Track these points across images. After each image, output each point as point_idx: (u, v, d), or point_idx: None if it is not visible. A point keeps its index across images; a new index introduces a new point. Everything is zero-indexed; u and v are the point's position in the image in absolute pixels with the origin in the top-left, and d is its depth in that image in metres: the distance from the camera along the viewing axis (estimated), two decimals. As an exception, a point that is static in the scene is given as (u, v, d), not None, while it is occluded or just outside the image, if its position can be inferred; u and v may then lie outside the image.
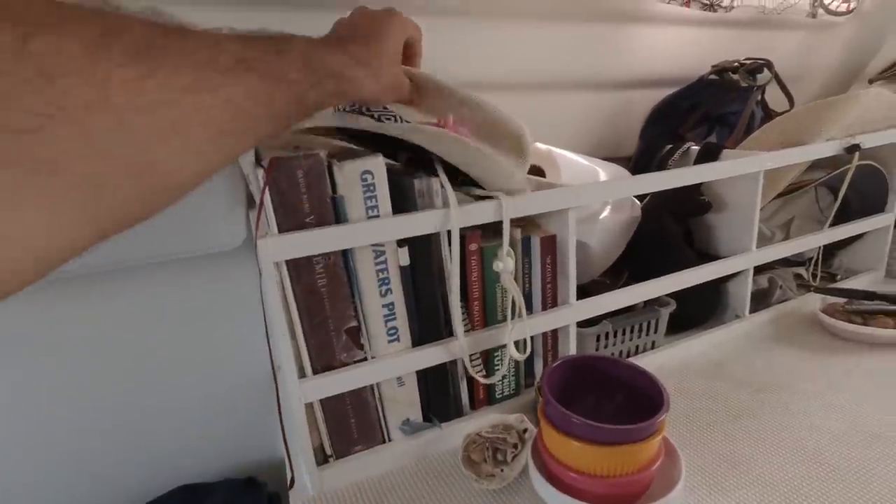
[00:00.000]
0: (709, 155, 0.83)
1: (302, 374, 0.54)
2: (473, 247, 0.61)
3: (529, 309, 0.67)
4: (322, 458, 0.59)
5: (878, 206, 0.99)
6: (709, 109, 0.98)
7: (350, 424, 0.59)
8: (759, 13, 0.98)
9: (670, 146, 0.90)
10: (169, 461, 0.73)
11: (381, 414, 0.61)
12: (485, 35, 0.83)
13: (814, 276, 0.99)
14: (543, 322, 0.66)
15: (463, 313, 0.63)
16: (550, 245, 0.65)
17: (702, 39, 1.00)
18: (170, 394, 0.70)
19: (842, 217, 0.94)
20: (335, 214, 0.52)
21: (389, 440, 0.62)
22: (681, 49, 1.00)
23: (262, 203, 0.47)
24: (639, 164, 0.96)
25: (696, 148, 0.86)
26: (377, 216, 0.53)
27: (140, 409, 0.70)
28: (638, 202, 0.81)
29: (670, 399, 0.49)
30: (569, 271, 0.65)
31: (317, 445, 0.59)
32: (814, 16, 1.05)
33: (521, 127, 0.55)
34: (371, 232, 0.52)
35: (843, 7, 1.07)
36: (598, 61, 0.94)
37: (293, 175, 0.48)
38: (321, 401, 0.57)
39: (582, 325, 0.71)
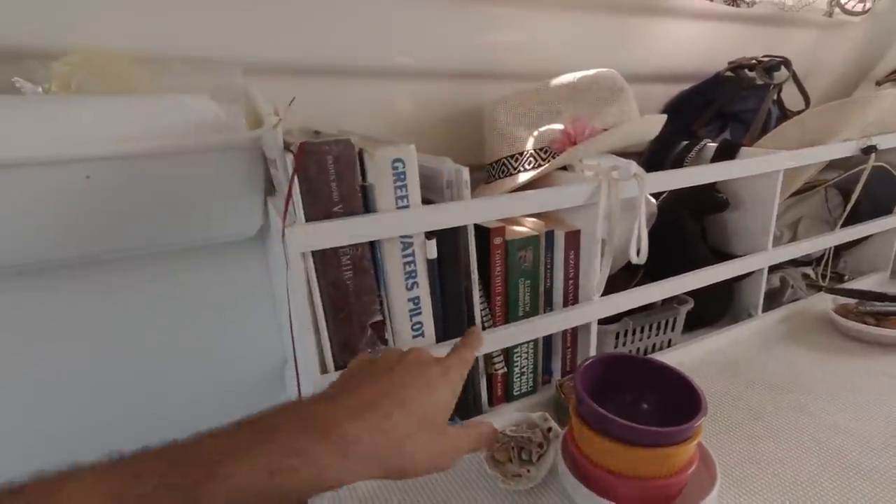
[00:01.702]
0: (727, 153, 0.82)
1: (325, 370, 0.52)
2: (498, 241, 0.60)
3: (551, 305, 0.66)
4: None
5: (886, 208, 0.99)
6: (723, 106, 0.97)
7: (370, 422, 0.57)
8: (779, 9, 0.97)
9: (686, 143, 0.89)
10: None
11: (400, 411, 0.59)
12: (503, 24, 0.81)
13: (822, 276, 0.99)
14: (565, 319, 0.65)
15: (485, 308, 0.62)
16: (574, 240, 0.64)
17: (718, 35, 0.99)
18: (176, 386, 0.68)
19: (851, 218, 0.94)
20: (364, 203, 0.49)
21: (408, 438, 0.60)
22: (696, 44, 0.99)
23: (290, 190, 0.45)
24: (652, 159, 0.94)
25: (712, 145, 0.85)
26: (406, 206, 0.51)
27: (145, 403, 0.67)
28: (654, 200, 0.80)
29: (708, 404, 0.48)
30: (593, 267, 0.63)
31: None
32: (830, 14, 1.04)
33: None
34: (401, 223, 0.50)
35: (860, 7, 1.06)
36: (615, 53, 0.92)
37: (323, 161, 0.46)
38: (341, 397, 0.55)
39: (602, 322, 0.69)
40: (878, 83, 1.16)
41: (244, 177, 0.52)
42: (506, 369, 0.65)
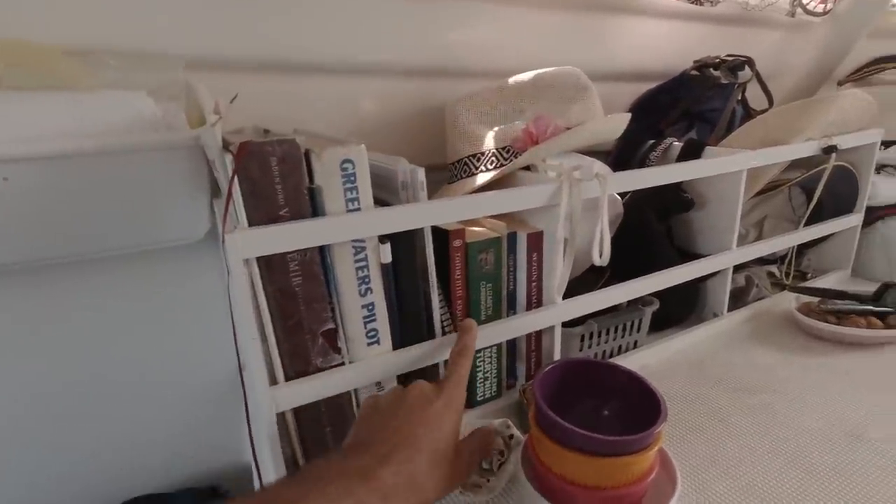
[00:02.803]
0: (692, 152, 0.82)
1: (273, 381, 0.50)
2: (457, 243, 0.58)
3: (514, 308, 0.64)
4: (294, 469, 0.55)
5: (847, 207, 1.00)
6: (689, 105, 0.97)
7: (325, 434, 0.55)
8: (743, 9, 0.97)
9: (652, 142, 0.89)
10: (124, 470, 0.67)
11: (357, 420, 0.57)
12: (467, 21, 0.80)
13: (786, 274, 1.00)
14: (529, 322, 0.63)
15: (446, 313, 0.60)
16: (537, 242, 0.62)
17: (683, 34, 0.99)
18: (125, 396, 0.64)
19: (814, 217, 0.95)
20: (312, 206, 0.47)
21: (366, 448, 0.58)
22: (662, 43, 0.99)
23: (230, 193, 0.42)
24: (619, 158, 0.94)
25: (678, 144, 0.85)
26: (357, 209, 0.49)
27: (91, 415, 0.63)
28: (619, 199, 0.79)
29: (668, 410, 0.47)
30: (556, 269, 0.62)
31: (288, 456, 0.54)
32: (793, 15, 1.05)
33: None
34: (352, 226, 0.48)
35: (821, 7, 1.08)
36: (581, 51, 0.91)
37: (266, 162, 0.43)
38: (294, 409, 0.52)
39: (566, 324, 0.68)
40: (840, 83, 1.18)
41: (186, 178, 0.49)
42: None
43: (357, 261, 0.51)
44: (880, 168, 1.04)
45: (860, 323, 0.81)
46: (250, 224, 0.44)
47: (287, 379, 0.50)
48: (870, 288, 0.86)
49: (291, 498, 0.34)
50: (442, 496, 0.42)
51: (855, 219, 1.00)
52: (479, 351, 0.63)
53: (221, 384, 0.65)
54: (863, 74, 1.13)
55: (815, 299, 0.88)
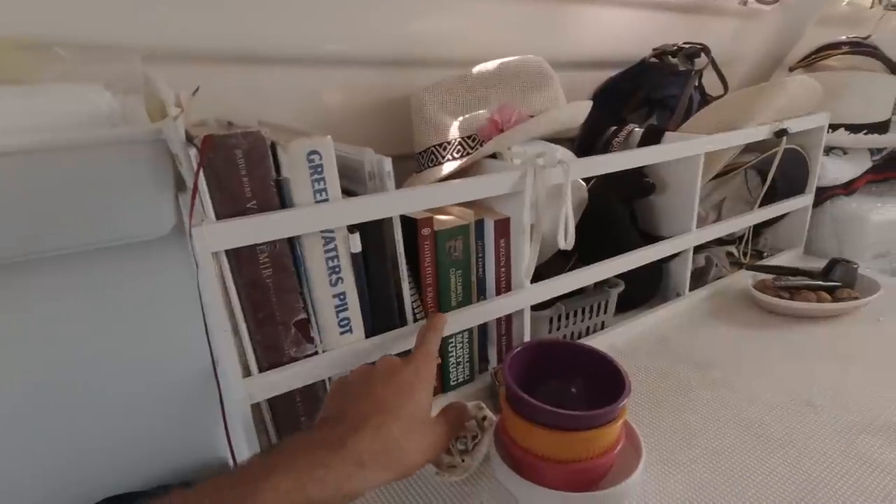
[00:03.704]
0: (652, 137, 0.84)
1: (247, 373, 0.50)
2: (426, 231, 0.59)
3: (483, 293, 0.66)
4: (270, 461, 0.55)
5: (799, 188, 1.05)
6: (649, 92, 0.99)
7: (301, 423, 0.55)
8: (697, -3, 1.00)
9: (614, 128, 0.91)
10: (94, 471, 0.66)
11: (332, 409, 0.58)
12: (432, 10, 0.80)
13: (744, 253, 1.04)
14: (498, 306, 0.65)
15: (417, 300, 0.61)
16: (504, 228, 0.64)
17: (642, 22, 1.02)
18: (94, 397, 0.63)
19: (769, 198, 0.99)
20: (280, 198, 0.47)
21: (342, 436, 0.59)
22: (621, 30, 1.01)
23: (195, 187, 0.42)
24: (583, 145, 0.96)
25: (639, 130, 0.87)
26: (326, 200, 0.49)
27: (59, 412, 0.62)
28: (584, 184, 0.81)
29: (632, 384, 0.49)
30: (523, 254, 0.63)
31: (265, 447, 0.54)
32: (745, 3, 1.09)
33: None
34: (321, 217, 0.48)
35: (771, -4, 1.12)
36: (543, 39, 0.93)
37: (231, 155, 0.43)
38: (269, 399, 0.53)
39: (535, 308, 0.70)
40: (791, 69, 1.23)
41: (149, 172, 0.48)
42: (440, 360, 0.64)
43: (327, 251, 0.51)
44: (828, 150, 1.09)
45: (811, 298, 0.85)
46: (217, 217, 0.44)
47: (261, 370, 0.51)
48: (820, 264, 0.91)
49: (259, 474, 0.34)
50: (424, 463, 0.42)
51: (806, 199, 1.05)
52: (450, 336, 0.64)
53: (194, 379, 0.64)
54: (811, 61, 1.18)
55: (771, 276, 0.92)
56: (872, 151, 1.12)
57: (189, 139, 0.43)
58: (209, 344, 0.48)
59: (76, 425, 0.63)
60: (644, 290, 0.88)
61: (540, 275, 0.69)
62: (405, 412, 0.41)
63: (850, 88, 1.08)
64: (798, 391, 0.67)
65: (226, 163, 0.43)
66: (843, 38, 1.15)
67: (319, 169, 0.48)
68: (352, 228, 0.52)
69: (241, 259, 0.46)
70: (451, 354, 0.66)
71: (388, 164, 0.53)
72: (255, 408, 0.52)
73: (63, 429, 0.62)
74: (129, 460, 0.68)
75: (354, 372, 0.46)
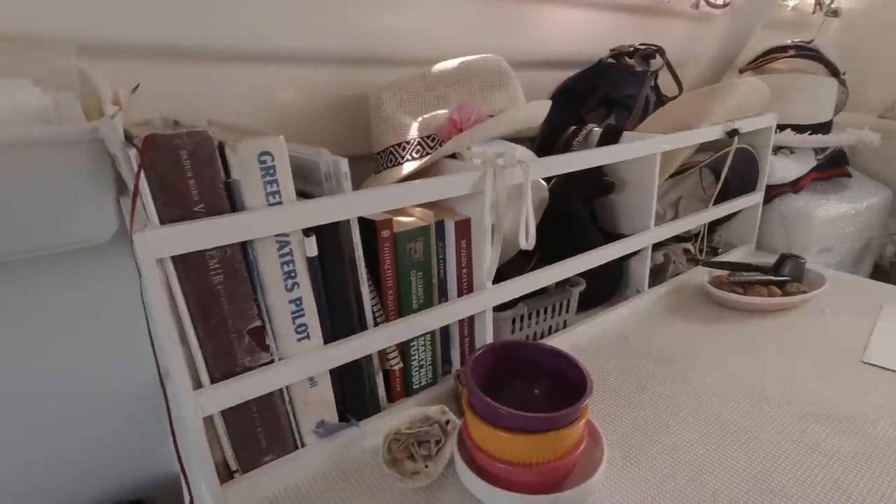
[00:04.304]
0: (610, 137, 0.85)
1: (198, 385, 0.48)
2: (386, 233, 0.58)
3: (445, 295, 0.65)
4: (226, 475, 0.53)
5: (750, 186, 1.08)
6: (607, 92, 1.01)
7: (257, 434, 0.53)
8: (652, 0, 1.02)
9: (573, 128, 0.92)
10: (43, 489, 0.62)
11: (292, 418, 0.56)
12: (390, 7, 0.79)
13: (700, 250, 1.07)
14: (460, 308, 0.64)
15: (377, 303, 0.59)
16: (465, 229, 0.63)
17: (600, 23, 1.03)
18: (38, 412, 0.59)
19: (722, 196, 1.02)
20: (230, 201, 0.45)
21: (303, 445, 0.57)
22: (580, 31, 1.02)
23: (136, 190, 0.39)
24: (543, 144, 0.96)
25: (598, 130, 0.88)
26: (279, 202, 0.47)
27: (3, 428, 0.58)
28: (545, 184, 0.81)
29: (594, 384, 0.50)
30: (484, 255, 0.63)
31: (219, 461, 0.52)
32: (697, 6, 1.12)
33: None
34: (273, 220, 0.46)
35: (721, 0, 1.15)
36: (503, 39, 0.93)
37: (176, 156, 0.41)
38: (223, 411, 0.50)
39: (497, 308, 0.70)
40: (741, 71, 1.27)
41: (86, 174, 0.46)
42: (402, 364, 0.63)
43: (282, 255, 0.49)
44: (776, 150, 1.13)
45: (763, 292, 0.88)
46: (162, 222, 0.42)
47: (213, 381, 0.48)
48: (771, 259, 0.94)
49: None
50: None
51: (757, 197, 1.08)
52: (412, 340, 0.63)
53: (143, 391, 0.61)
54: (759, 63, 1.22)
55: (725, 272, 0.95)
56: (817, 151, 1.17)
57: (129, 139, 0.40)
58: (154, 355, 0.45)
59: (17, 441, 0.59)
60: (605, 288, 0.89)
61: (502, 275, 0.69)
62: None
63: (796, 91, 1.13)
64: (751, 384, 0.69)
65: (170, 164, 0.41)
66: (789, 41, 1.20)
67: (272, 170, 0.46)
68: (308, 232, 0.50)
69: (189, 265, 0.44)
70: (413, 358, 0.64)
71: (344, 164, 0.51)
72: (209, 420, 0.50)
73: (6, 447, 0.58)
74: (76, 476, 0.64)
75: None
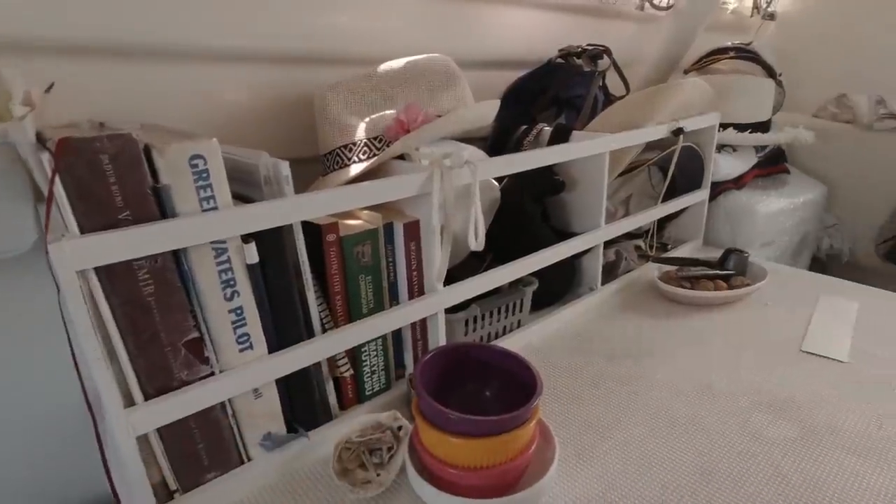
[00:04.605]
0: (560, 136, 0.86)
1: (130, 402, 0.45)
2: (331, 238, 0.56)
3: (397, 298, 0.64)
4: (165, 496, 0.50)
5: (697, 183, 1.12)
6: (557, 92, 1.02)
7: (198, 451, 0.51)
8: (599, 2, 1.04)
9: (524, 127, 0.92)
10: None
11: (236, 432, 0.54)
12: (337, 5, 0.77)
13: (651, 246, 1.09)
14: (411, 311, 0.63)
15: (325, 309, 0.58)
16: (414, 231, 0.62)
17: (548, 23, 1.04)
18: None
19: (670, 193, 1.05)
20: (160, 208, 0.43)
21: (249, 460, 0.55)
22: (528, 31, 1.03)
23: (51, 196, 0.37)
24: (495, 144, 0.97)
25: (548, 129, 0.89)
26: (214, 208, 0.45)
27: None
28: (497, 184, 0.81)
29: (543, 384, 0.49)
30: (434, 257, 0.62)
31: (157, 481, 0.49)
32: (641, 8, 1.14)
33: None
34: (208, 227, 0.44)
35: (665, 2, 1.18)
36: (452, 39, 0.92)
37: (96, 160, 0.38)
38: (161, 431, 0.48)
39: (450, 310, 0.69)
40: (686, 71, 1.31)
41: (3, 180, 0.43)
42: (353, 371, 0.61)
43: (219, 263, 0.47)
44: (720, 148, 1.17)
45: (709, 286, 0.90)
46: (82, 231, 0.39)
47: (147, 398, 0.46)
48: (717, 254, 0.97)
49: None
50: None
51: (703, 193, 1.11)
52: (363, 345, 0.62)
53: (71, 412, 0.58)
54: (702, 64, 1.26)
55: (674, 268, 0.97)
56: (757, 149, 1.22)
57: (42, 142, 0.37)
58: (78, 373, 0.42)
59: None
60: (559, 286, 0.90)
61: (454, 277, 0.68)
62: None
63: (737, 91, 1.17)
64: (699, 376, 0.70)
65: (90, 169, 0.38)
66: (729, 43, 1.24)
67: (205, 175, 0.44)
68: (247, 238, 0.48)
69: (115, 276, 0.41)
70: (364, 364, 0.63)
71: (284, 168, 0.50)
72: (143, 439, 0.47)
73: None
74: (4, 498, 0.60)
75: None
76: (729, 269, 0.93)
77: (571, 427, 0.62)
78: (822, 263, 1.40)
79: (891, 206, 1.23)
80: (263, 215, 0.47)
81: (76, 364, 0.42)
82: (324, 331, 0.57)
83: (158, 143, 0.41)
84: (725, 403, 0.65)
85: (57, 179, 0.36)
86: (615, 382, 0.70)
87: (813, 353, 0.75)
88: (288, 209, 0.49)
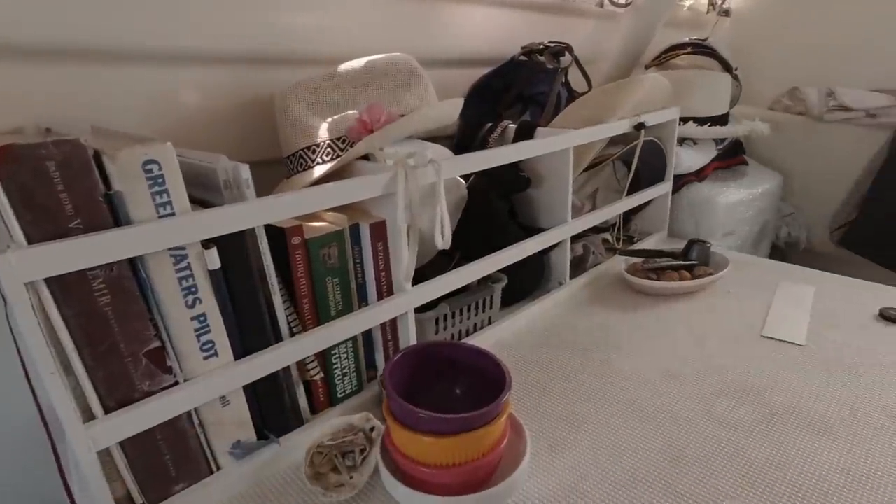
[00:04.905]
0: (525, 133, 0.87)
1: (89, 416, 0.44)
2: (296, 240, 0.55)
3: (365, 300, 0.64)
4: (131, 510, 0.49)
5: (660, 177, 1.14)
6: (521, 89, 1.03)
7: (165, 462, 0.50)
8: (559, -1, 1.05)
9: (489, 125, 0.93)
10: None
11: (204, 441, 0.52)
12: (297, 4, 0.76)
13: (617, 239, 1.11)
14: (380, 312, 0.63)
15: (292, 313, 0.57)
16: (381, 231, 0.62)
17: (510, 21, 1.05)
18: None
19: (635, 186, 1.07)
20: (113, 215, 0.41)
21: (218, 469, 0.54)
22: (491, 30, 1.04)
23: (-5, 206, 0.35)
24: (461, 142, 0.97)
25: (513, 126, 0.90)
26: (172, 214, 0.44)
27: None
28: (464, 182, 0.82)
29: (511, 374, 0.50)
30: (402, 257, 0.62)
31: (121, 495, 0.48)
32: (601, 5, 1.16)
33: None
34: (165, 234, 0.43)
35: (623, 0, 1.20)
36: (413, 38, 0.92)
37: (42, 167, 0.37)
38: (123, 444, 0.46)
39: (419, 310, 0.69)
40: (646, 67, 1.34)
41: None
42: (323, 374, 0.61)
43: (179, 270, 0.46)
44: (681, 141, 1.20)
45: (674, 277, 0.93)
46: (30, 241, 0.38)
47: (107, 411, 0.44)
48: (681, 245, 1.00)
49: None
50: None
51: (666, 186, 1.14)
52: (333, 347, 0.61)
53: (25, 429, 0.55)
54: (662, 60, 1.29)
55: (640, 260, 0.99)
56: (717, 141, 1.25)
57: (-17, 151, 0.36)
58: (31, 388, 0.41)
59: None
60: (528, 282, 0.91)
61: (423, 276, 0.68)
62: None
63: (696, 86, 1.20)
64: (666, 365, 0.72)
65: (35, 177, 0.37)
66: (687, 39, 1.27)
67: (160, 180, 0.43)
68: (207, 243, 0.47)
69: (67, 287, 0.40)
70: (335, 366, 0.63)
71: (244, 171, 0.49)
72: (106, 453, 0.46)
73: None
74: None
75: None
76: (692, 260, 0.96)
77: (543, 421, 0.63)
78: (781, 251, 1.45)
79: (842, 194, 1.28)
80: (223, 220, 0.47)
81: (28, 379, 0.41)
82: (292, 335, 0.57)
83: (109, 148, 0.40)
84: (691, 390, 0.67)
85: (0, 188, 0.35)
86: (585, 375, 0.71)
87: (773, 338, 0.77)
88: (249, 213, 0.48)
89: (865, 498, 0.50)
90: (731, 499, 0.50)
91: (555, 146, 0.81)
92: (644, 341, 0.78)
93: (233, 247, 0.49)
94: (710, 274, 0.93)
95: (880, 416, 0.60)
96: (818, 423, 0.60)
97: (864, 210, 1.21)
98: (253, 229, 0.50)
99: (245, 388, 0.54)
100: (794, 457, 0.55)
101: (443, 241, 0.61)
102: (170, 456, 0.50)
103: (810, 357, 0.72)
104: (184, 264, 0.46)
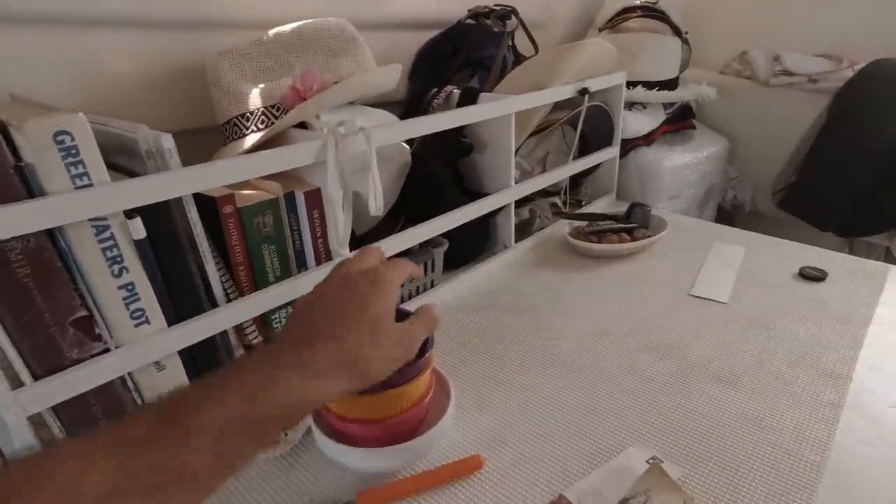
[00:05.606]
0: (468, 99, 0.87)
1: (18, 384, 0.45)
2: (228, 209, 0.56)
3: (304, 265, 0.65)
4: (69, 471, 0.51)
5: (608, 141, 1.17)
6: (469, 53, 1.02)
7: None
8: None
9: (434, 90, 0.93)
10: None
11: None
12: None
13: (565, 203, 1.14)
14: (319, 277, 0.64)
15: (228, 279, 0.58)
16: (316, 199, 0.63)
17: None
18: None
19: (583, 151, 1.09)
20: (26, 187, 0.42)
21: (158, 431, 0.56)
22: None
23: None
24: (409, 108, 0.97)
25: (457, 91, 0.90)
26: (90, 185, 0.44)
27: None
28: (408, 147, 0.82)
29: (435, 338, 0.53)
30: (337, 223, 0.63)
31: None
32: (551, -33, 1.15)
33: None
34: (79, 205, 0.43)
35: (573, -40, 1.19)
36: (351, 1, 0.90)
37: (-57, 141, 0.37)
38: (56, 409, 0.48)
39: (361, 274, 0.71)
40: (600, 30, 1.34)
41: None
42: (262, 338, 0.63)
43: (102, 241, 0.47)
44: (630, 106, 1.22)
45: (614, 240, 0.96)
46: (-64, 215, 0.38)
47: (35, 378, 0.46)
48: (624, 209, 1.03)
49: (203, 390, 0.34)
50: (389, 370, 0.42)
51: (613, 150, 1.16)
52: (273, 312, 0.63)
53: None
54: (615, 23, 1.29)
55: (584, 223, 1.02)
56: (665, 106, 1.27)
57: None
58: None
59: None
60: (473, 246, 0.93)
61: (365, 241, 0.70)
62: (363, 321, 0.40)
63: (645, 49, 1.21)
64: (598, 324, 0.76)
65: (-62, 150, 0.37)
66: (638, 2, 1.27)
67: (74, 151, 0.43)
68: (131, 213, 0.48)
69: (-17, 259, 0.41)
70: (276, 330, 0.64)
71: (167, 141, 0.49)
72: (40, 421, 0.47)
73: None
74: None
75: (316, 286, 0.46)
76: (633, 223, 0.99)
77: (474, 379, 0.66)
78: (728, 214, 1.50)
79: (785, 157, 1.33)
80: (144, 190, 0.47)
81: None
82: (228, 300, 0.58)
83: (16, 119, 0.40)
84: (619, 347, 0.71)
85: None
86: (521, 334, 0.75)
87: (699, 297, 0.82)
88: (171, 183, 0.49)
89: (759, 438, 0.55)
90: (637, 444, 0.55)
91: (495, 112, 0.82)
92: (583, 303, 0.82)
93: (159, 216, 0.50)
94: (649, 236, 0.97)
95: (781, 365, 0.66)
96: (727, 374, 0.65)
97: (803, 173, 1.26)
98: (180, 198, 0.51)
99: (182, 353, 0.55)
100: (701, 405, 0.60)
101: (376, 207, 0.62)
102: (105, 420, 0.52)
103: (730, 314, 0.77)
104: (106, 234, 0.47)
